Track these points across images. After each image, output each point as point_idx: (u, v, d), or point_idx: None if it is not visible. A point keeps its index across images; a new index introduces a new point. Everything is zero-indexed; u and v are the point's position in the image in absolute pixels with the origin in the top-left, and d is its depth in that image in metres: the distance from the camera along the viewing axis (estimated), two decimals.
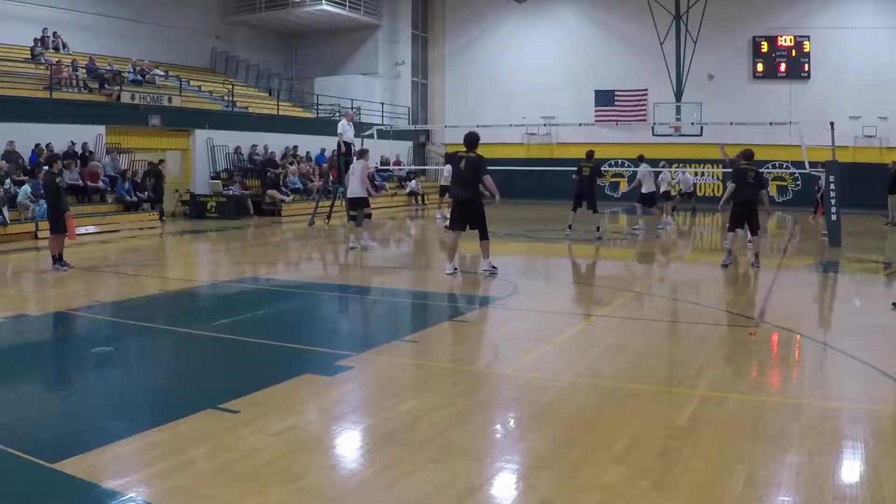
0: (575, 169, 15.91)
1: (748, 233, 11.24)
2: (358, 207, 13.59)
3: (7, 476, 3.75)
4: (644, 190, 17.19)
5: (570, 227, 15.73)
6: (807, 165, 14.89)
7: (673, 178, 19.43)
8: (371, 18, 29.82)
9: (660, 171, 18.13)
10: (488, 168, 10.06)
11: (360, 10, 29.07)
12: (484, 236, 10.15)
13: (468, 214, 10.12)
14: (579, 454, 4.04)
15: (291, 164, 23.16)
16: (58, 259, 10.80)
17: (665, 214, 17.80)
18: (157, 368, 6.19)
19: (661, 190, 17.96)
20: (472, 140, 10.12)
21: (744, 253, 12.24)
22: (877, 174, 20.19)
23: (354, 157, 14.13)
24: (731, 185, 11.09)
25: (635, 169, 18.07)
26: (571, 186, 15.80)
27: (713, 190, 26.12)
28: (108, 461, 3.90)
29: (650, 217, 17.72)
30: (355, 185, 13.22)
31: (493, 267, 10.23)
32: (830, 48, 25.16)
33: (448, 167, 17.52)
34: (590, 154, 16.04)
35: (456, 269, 10.26)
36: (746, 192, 10.83)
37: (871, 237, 16.07)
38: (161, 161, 20.24)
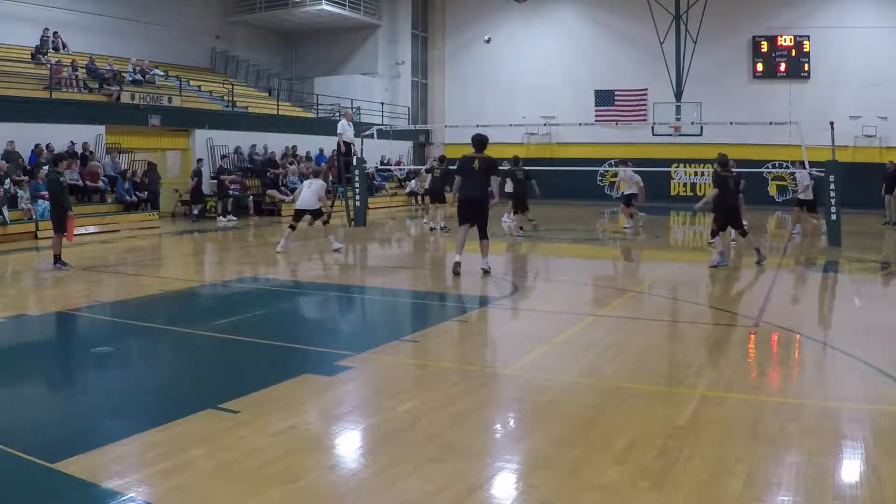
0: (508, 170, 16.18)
1: (732, 233, 12.50)
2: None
3: (7, 476, 3.75)
4: (627, 192, 17.34)
5: (521, 228, 16.12)
6: (807, 165, 14.88)
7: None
8: (371, 18, 29.81)
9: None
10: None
11: (360, 9, 29.06)
12: (484, 236, 10.25)
13: (476, 212, 10.26)
14: (579, 454, 4.04)
15: (291, 163, 23.15)
16: (58, 259, 10.81)
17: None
18: (157, 368, 6.19)
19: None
20: (481, 142, 10.30)
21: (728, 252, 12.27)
22: (877, 174, 20.15)
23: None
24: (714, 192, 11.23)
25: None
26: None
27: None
28: (108, 461, 3.90)
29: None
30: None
31: (489, 267, 10.23)
32: (830, 48, 25.16)
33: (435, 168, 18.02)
34: (516, 160, 16.69)
35: (459, 262, 10.22)
36: (731, 199, 11.22)
37: (871, 237, 16.07)
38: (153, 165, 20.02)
